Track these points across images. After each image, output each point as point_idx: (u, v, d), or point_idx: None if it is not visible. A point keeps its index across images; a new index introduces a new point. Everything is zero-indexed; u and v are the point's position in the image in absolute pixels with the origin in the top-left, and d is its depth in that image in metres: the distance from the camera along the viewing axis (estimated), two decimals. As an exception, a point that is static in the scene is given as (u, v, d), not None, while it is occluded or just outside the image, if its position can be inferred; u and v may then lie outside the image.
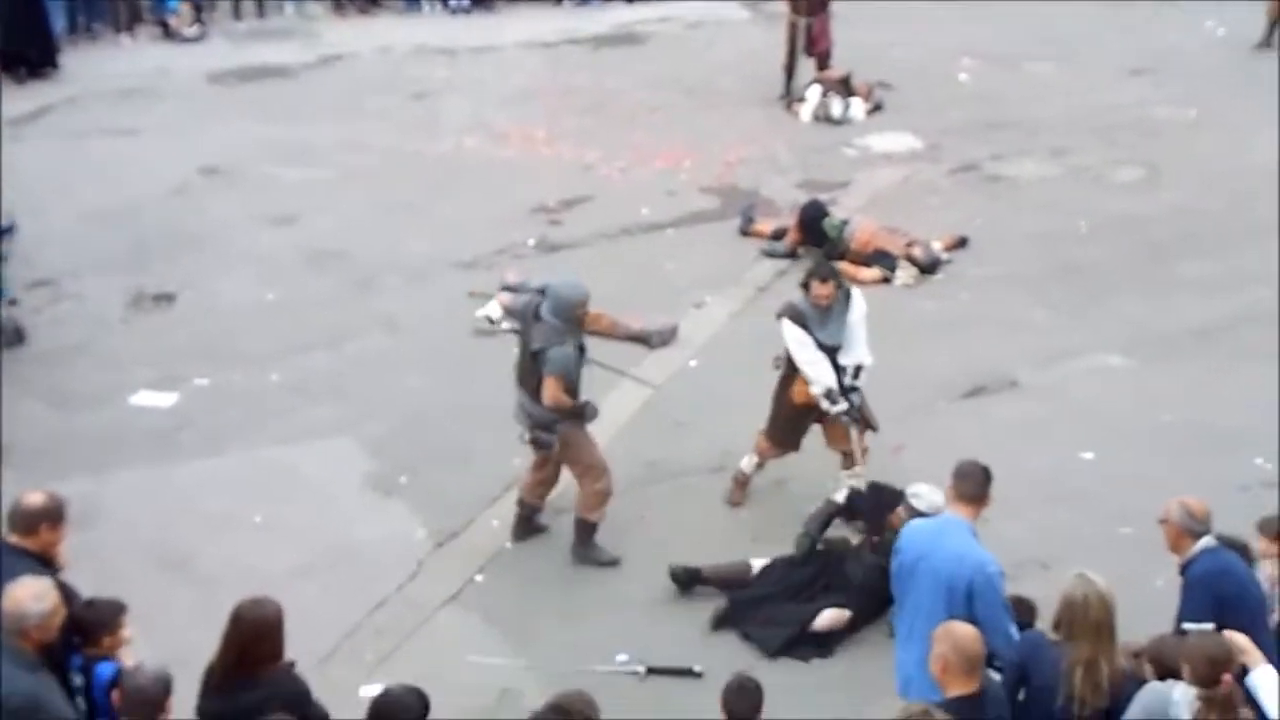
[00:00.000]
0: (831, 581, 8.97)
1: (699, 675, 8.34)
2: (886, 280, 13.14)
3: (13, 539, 6.61)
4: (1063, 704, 6.35)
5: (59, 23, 18.54)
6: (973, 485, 6.99)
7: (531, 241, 13.95)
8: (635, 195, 15.03)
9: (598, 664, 8.44)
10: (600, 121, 17.02)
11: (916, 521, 7.52)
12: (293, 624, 6.38)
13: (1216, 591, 6.90)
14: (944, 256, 13.63)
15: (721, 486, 10.10)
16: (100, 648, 6.35)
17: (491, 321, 12.24)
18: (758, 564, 9.14)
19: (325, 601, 8.78)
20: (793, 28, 17.46)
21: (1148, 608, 7.30)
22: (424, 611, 9.03)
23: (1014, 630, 6.86)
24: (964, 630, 6.18)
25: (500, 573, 9.40)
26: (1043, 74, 18.57)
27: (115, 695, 6.05)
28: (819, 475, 9.93)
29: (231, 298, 12.78)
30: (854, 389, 9.47)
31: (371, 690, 6.77)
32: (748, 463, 9.93)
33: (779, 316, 9.54)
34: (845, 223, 13.65)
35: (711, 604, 8.94)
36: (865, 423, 9.60)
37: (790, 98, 17.50)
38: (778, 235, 13.86)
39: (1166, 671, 6.34)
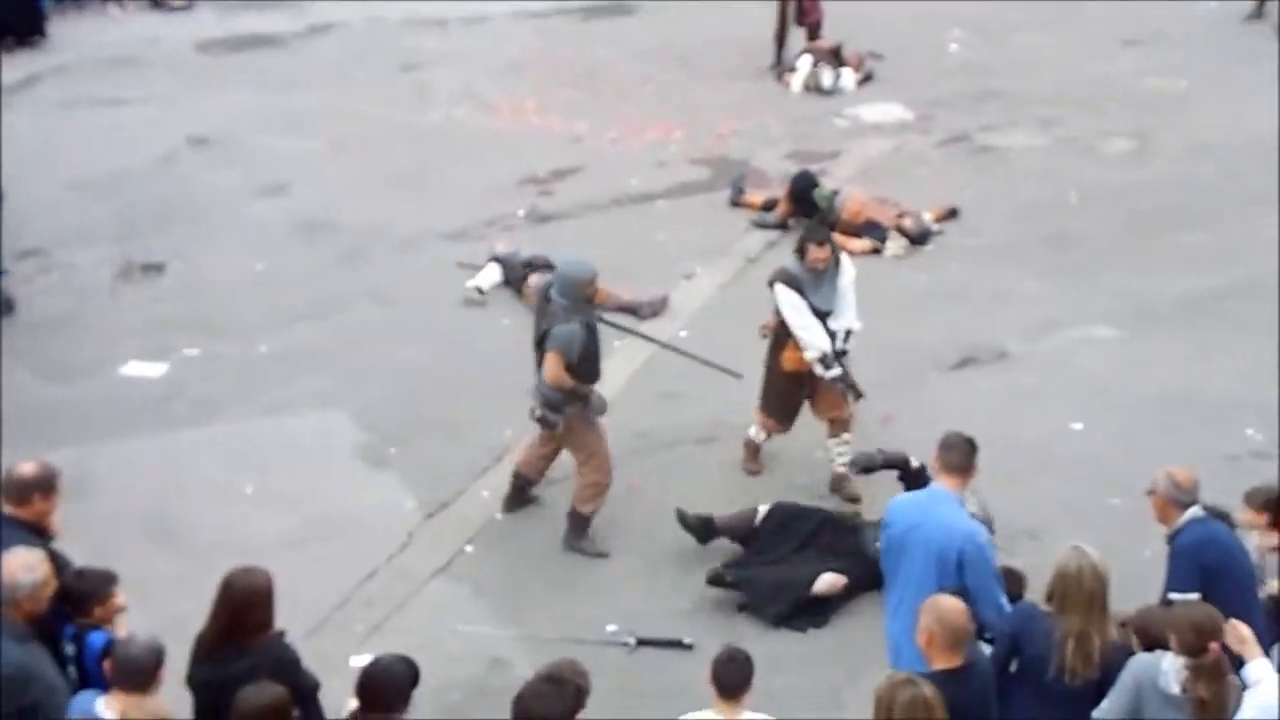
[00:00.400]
0: (839, 548, 8.99)
1: (689, 647, 8.36)
2: (877, 251, 13.13)
3: (6, 509, 6.62)
4: (1054, 675, 6.39)
5: (46, -8, 18.44)
6: (958, 456, 7.00)
7: (521, 212, 13.93)
8: (625, 166, 14.99)
9: (588, 635, 8.45)
10: (591, 92, 16.97)
11: (905, 494, 7.54)
12: (283, 594, 6.40)
13: (1202, 561, 6.93)
14: (934, 227, 13.62)
15: (713, 457, 10.13)
16: (91, 617, 6.35)
17: (481, 292, 12.24)
18: (763, 509, 9.17)
19: (315, 572, 8.78)
20: (783, -2, 17.42)
21: (1136, 578, 7.35)
22: (414, 582, 9.04)
23: (1005, 601, 6.88)
24: (950, 604, 6.18)
25: (490, 544, 9.41)
26: (1033, 45, 18.51)
27: (107, 664, 6.06)
28: (810, 446, 9.96)
29: (221, 268, 12.75)
30: (843, 353, 9.50)
31: (361, 660, 6.81)
32: (755, 431, 9.95)
33: (772, 283, 9.52)
34: (836, 193, 13.63)
35: (705, 578, 8.90)
36: (854, 389, 9.61)
37: (781, 68, 17.45)
38: (768, 206, 13.84)
39: (1152, 641, 6.37)
